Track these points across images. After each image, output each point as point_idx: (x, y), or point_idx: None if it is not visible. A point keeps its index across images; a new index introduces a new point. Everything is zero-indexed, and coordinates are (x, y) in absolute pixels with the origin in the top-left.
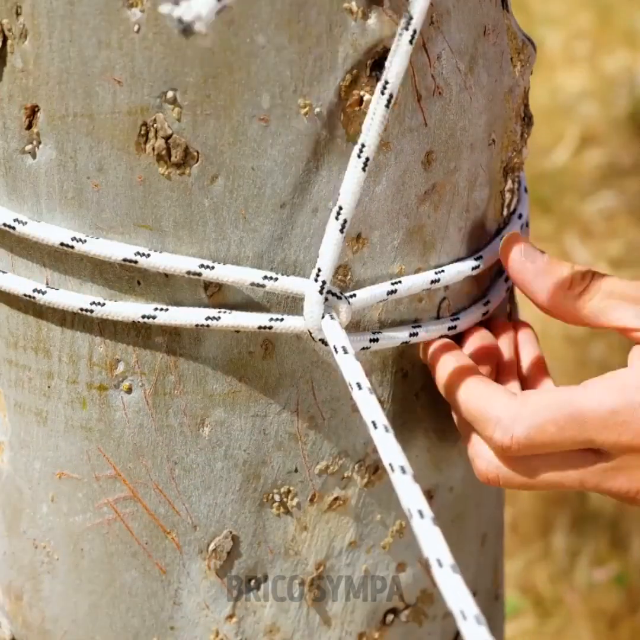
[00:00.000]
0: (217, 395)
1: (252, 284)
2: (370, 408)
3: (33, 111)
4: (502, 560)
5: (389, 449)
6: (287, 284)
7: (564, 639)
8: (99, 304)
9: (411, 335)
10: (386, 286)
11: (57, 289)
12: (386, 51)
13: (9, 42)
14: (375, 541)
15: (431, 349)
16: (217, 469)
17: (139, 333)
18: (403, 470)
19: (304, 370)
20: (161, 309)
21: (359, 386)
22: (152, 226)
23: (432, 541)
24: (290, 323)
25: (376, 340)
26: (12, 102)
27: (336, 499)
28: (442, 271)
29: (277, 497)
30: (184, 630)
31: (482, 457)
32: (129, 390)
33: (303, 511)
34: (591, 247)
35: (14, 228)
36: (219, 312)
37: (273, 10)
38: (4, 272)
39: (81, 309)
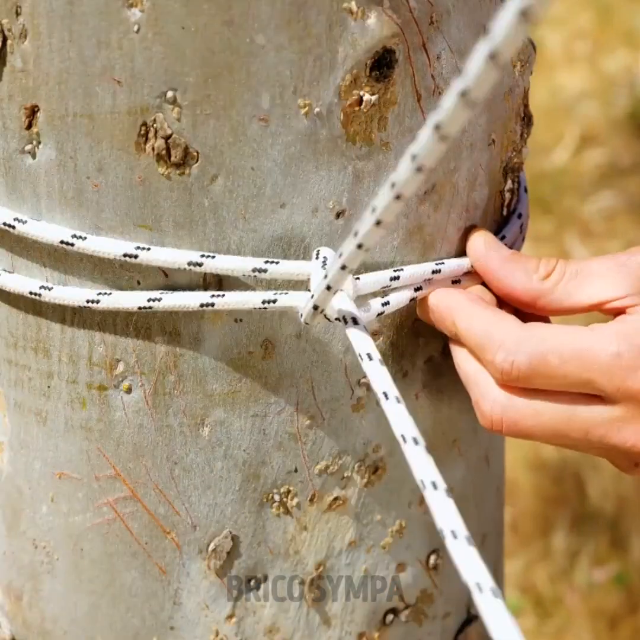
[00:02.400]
0: (217, 395)
1: (254, 270)
2: (381, 379)
3: (33, 111)
4: (502, 560)
5: (401, 420)
6: (289, 267)
7: (564, 639)
8: (105, 293)
9: (416, 290)
10: (389, 273)
11: (64, 285)
12: (386, 51)
13: (9, 42)
14: (375, 541)
15: (433, 293)
16: (217, 469)
17: (138, 333)
18: (416, 441)
19: (304, 370)
20: (158, 299)
21: (370, 357)
22: (152, 226)
23: (445, 513)
24: (293, 298)
25: (387, 303)
26: (12, 102)
27: (336, 499)
28: (443, 263)
29: (276, 497)
30: (184, 630)
31: (487, 398)
32: (129, 390)
33: (303, 511)
34: (591, 247)
35: (13, 227)
36: (218, 296)
37: (273, 10)
38: (9, 272)
39: (88, 301)
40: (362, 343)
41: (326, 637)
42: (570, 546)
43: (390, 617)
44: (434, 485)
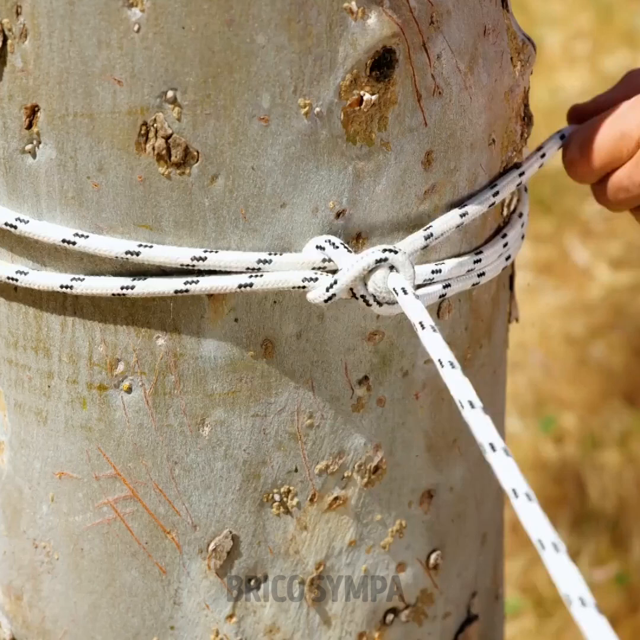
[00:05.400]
0: (217, 395)
1: (248, 269)
2: (437, 346)
3: (33, 111)
4: (502, 560)
5: (436, 346)
6: (284, 261)
7: (564, 639)
8: (78, 279)
9: (476, 262)
10: (431, 266)
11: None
12: (386, 51)
13: (9, 41)
14: (375, 541)
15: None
16: (217, 468)
17: (139, 333)
18: (452, 365)
19: (304, 370)
20: (138, 279)
21: (422, 326)
22: (152, 226)
23: (483, 428)
24: (279, 276)
25: (439, 271)
26: (12, 102)
27: (336, 498)
28: (443, 263)
29: (277, 497)
30: (184, 630)
31: None
32: (129, 390)
33: (303, 511)
34: (591, 247)
35: (15, 227)
36: (197, 277)
37: (273, 10)
38: (28, 272)
39: (61, 286)
40: (416, 311)
41: (326, 637)
42: (571, 546)
43: (390, 617)
44: (471, 404)
